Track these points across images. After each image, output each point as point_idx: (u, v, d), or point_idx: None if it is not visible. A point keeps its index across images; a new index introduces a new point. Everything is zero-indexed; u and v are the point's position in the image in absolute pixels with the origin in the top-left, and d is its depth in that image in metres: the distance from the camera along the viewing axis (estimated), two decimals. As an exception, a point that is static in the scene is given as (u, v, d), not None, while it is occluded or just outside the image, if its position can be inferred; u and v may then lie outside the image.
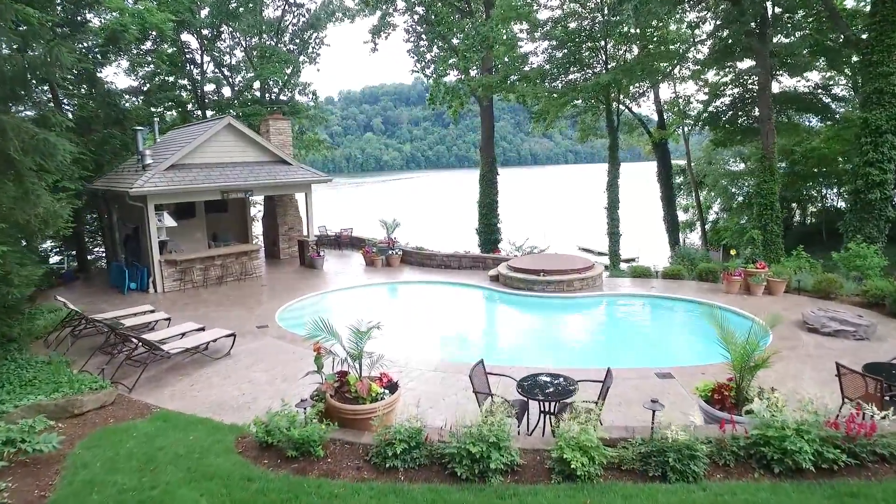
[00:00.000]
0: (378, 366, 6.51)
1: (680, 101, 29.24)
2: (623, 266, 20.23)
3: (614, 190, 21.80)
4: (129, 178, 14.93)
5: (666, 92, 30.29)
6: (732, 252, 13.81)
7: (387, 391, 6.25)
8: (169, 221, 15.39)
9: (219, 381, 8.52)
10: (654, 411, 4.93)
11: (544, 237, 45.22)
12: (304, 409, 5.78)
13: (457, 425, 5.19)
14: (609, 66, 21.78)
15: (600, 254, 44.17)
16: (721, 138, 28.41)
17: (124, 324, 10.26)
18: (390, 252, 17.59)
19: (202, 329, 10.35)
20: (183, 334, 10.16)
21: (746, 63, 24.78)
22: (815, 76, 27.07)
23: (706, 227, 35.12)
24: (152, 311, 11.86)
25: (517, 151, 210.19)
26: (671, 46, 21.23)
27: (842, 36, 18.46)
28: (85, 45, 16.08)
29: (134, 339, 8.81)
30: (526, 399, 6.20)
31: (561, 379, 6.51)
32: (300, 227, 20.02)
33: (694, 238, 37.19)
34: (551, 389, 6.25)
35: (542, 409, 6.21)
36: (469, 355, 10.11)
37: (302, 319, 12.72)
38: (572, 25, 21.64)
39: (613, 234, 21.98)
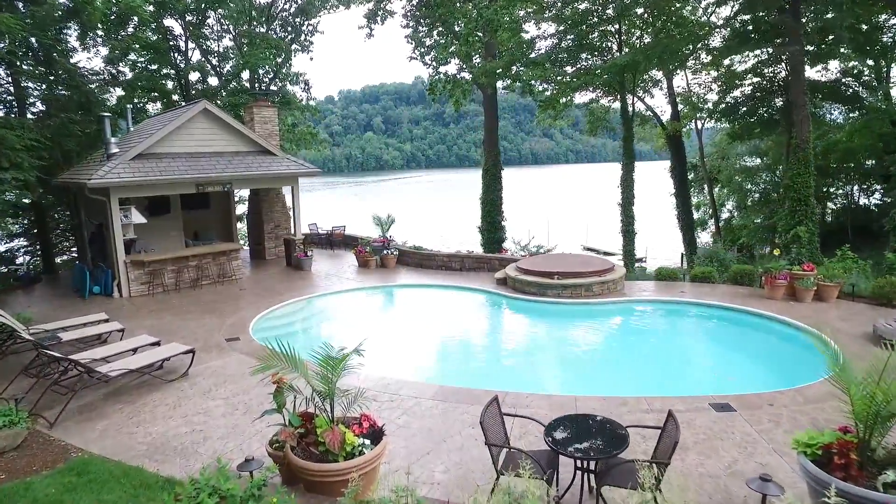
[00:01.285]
0: (357, 406, 4.85)
1: (696, 90, 27.54)
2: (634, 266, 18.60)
3: (629, 185, 20.13)
4: (93, 170, 13.29)
5: (679, 83, 28.70)
6: (776, 252, 12.13)
7: (367, 442, 4.58)
8: (137, 218, 13.74)
9: (166, 412, 6.87)
10: (764, 496, 3.27)
11: (548, 236, 43.61)
12: (250, 471, 4.12)
13: (465, 511, 3.53)
14: (623, 52, 20.10)
15: (606, 253, 42.55)
16: (738, 131, 26.72)
17: (61, 337, 8.61)
18: (385, 252, 15.94)
19: (157, 343, 8.71)
20: (135, 350, 8.53)
21: (764, 52, 23.27)
22: (833, 65, 25.47)
23: (719, 225, 33.45)
24: (106, 321, 10.23)
25: (518, 150, 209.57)
26: (691, 30, 19.52)
27: (880, 15, 16.80)
28: (43, 19, 14.35)
29: (65, 360, 7.15)
30: (556, 452, 4.54)
31: (603, 423, 4.84)
32: (288, 225, 18.37)
33: (705, 237, 35.54)
34: (592, 440, 4.59)
35: (580, 465, 4.57)
36: (475, 377, 8.46)
37: (281, 330, 11.09)
38: (582, 6, 19.97)
39: (628, 233, 20.30)
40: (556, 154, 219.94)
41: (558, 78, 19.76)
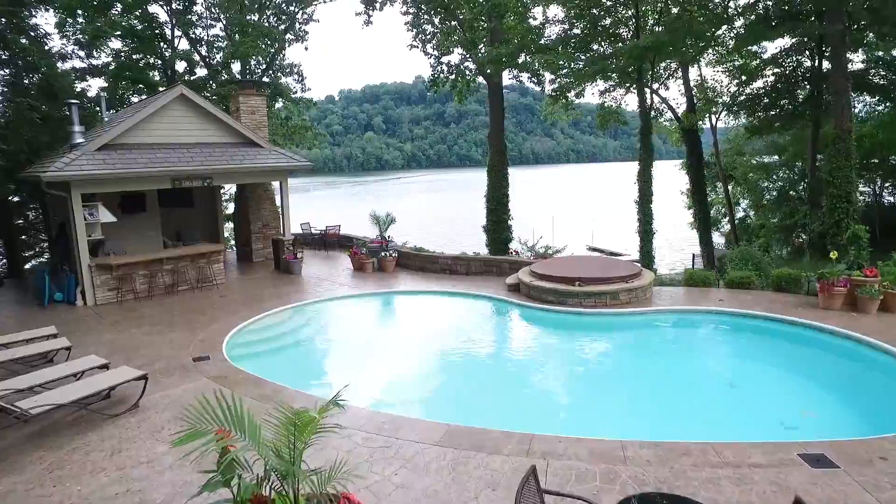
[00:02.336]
0: (337, 482, 3.35)
1: (714, 81, 26.09)
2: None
3: (647, 181, 18.61)
4: (54, 162, 11.81)
5: (694, 73, 27.20)
6: (833, 255, 10.62)
7: (347, 545, 3.08)
8: (105, 216, 12.24)
9: (99, 462, 5.37)
10: None
11: (553, 236, 42.12)
12: None
13: None
14: (639, 38, 18.57)
15: (613, 253, 41.04)
16: (758, 125, 25.20)
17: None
18: (383, 254, 14.43)
19: (106, 367, 7.23)
20: (78, 374, 7.06)
21: (788, 39, 21.82)
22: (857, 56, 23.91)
23: (734, 224, 31.87)
24: (54, 336, 8.74)
25: (518, 150, 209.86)
26: (713, 12, 18.01)
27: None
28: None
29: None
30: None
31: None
32: (277, 225, 16.85)
33: (716, 237, 33.97)
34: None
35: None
36: (490, 412, 6.93)
37: (259, 346, 9.59)
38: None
39: (646, 232, 18.75)
40: (556, 154, 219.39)
41: (571, 65, 18.13)
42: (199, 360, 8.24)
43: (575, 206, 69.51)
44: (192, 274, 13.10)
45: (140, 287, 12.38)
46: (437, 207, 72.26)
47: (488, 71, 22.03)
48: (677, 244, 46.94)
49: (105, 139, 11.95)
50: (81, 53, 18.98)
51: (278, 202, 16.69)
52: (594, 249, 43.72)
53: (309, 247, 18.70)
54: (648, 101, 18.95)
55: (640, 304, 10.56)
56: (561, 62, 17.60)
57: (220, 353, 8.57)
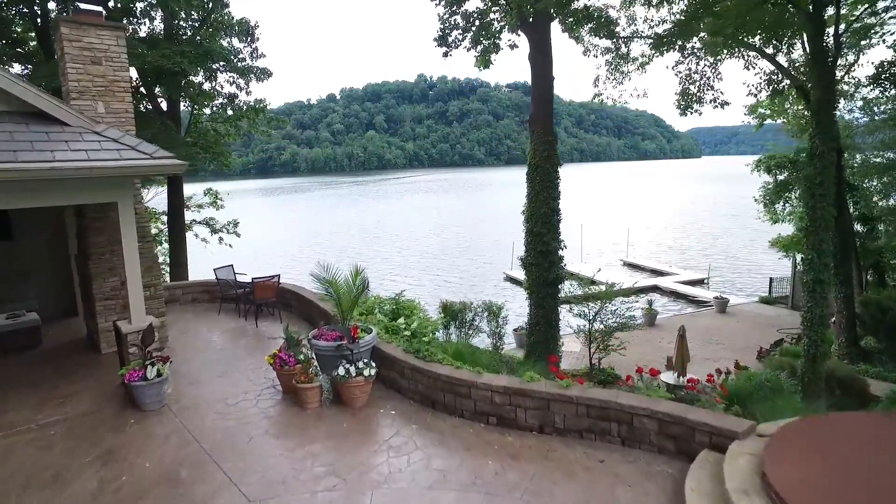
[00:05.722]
0: None
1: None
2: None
3: (825, 188, 10.47)
4: None
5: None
6: None
7: None
8: None
9: None
10: None
11: (581, 249, 33.63)
12: None
13: None
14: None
15: (654, 272, 32.72)
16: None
17: None
18: (342, 372, 6.25)
19: None
20: None
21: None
22: None
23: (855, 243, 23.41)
24: None
25: (522, 150, 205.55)
26: None
27: None
28: None
29: None
30: None
31: None
32: (156, 281, 8.71)
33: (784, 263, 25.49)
34: None
35: None
36: None
37: None
38: None
39: (819, 284, 10.53)
40: (560, 153, 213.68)
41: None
42: None
43: (598, 212, 61.61)
44: None
45: None
46: (444, 220, 63.66)
47: (531, 20, 14.10)
48: (707, 253, 39.09)
49: None
50: None
51: (155, 230, 8.60)
52: (630, 265, 35.58)
53: (232, 306, 10.63)
54: (832, 43, 10.77)
55: None
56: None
57: None
